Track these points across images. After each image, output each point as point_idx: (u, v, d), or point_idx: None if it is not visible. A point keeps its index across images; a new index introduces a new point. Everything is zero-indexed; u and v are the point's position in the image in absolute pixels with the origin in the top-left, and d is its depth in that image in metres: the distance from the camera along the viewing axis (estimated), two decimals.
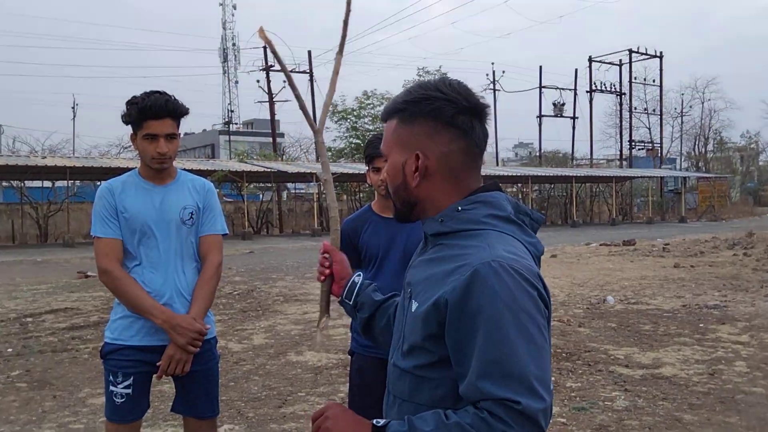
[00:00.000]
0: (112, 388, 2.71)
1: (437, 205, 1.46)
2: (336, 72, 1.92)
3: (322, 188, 37.55)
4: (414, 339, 1.40)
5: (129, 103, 2.73)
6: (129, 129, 2.77)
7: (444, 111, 1.42)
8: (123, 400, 2.70)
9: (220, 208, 2.99)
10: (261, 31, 1.89)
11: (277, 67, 43.80)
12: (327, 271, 1.81)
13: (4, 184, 35.79)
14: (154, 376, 2.76)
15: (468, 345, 1.29)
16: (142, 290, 2.69)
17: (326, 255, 1.84)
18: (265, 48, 42.99)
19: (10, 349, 7.43)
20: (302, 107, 1.89)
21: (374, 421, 1.35)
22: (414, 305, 1.41)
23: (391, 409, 1.50)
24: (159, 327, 2.69)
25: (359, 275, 1.82)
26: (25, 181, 33.31)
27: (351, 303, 1.79)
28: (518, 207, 1.46)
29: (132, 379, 2.71)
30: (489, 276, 1.28)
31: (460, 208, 1.43)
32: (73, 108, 55.21)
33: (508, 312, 1.26)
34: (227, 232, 3.00)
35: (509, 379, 1.24)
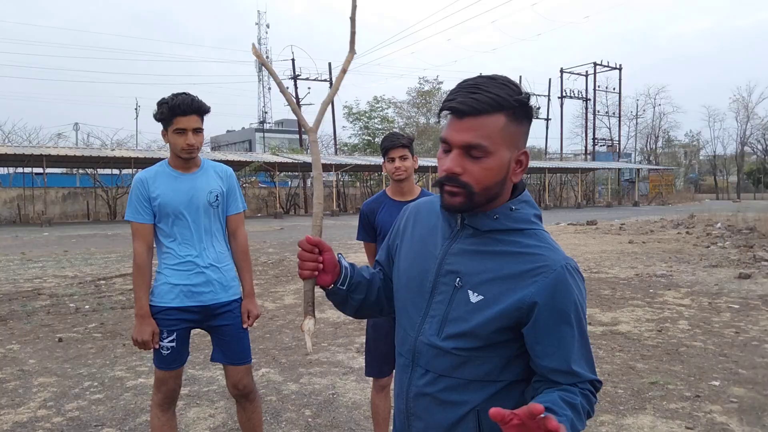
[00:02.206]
0: (159, 342, 2.72)
1: (499, 202, 1.28)
2: (344, 70, 1.64)
3: (339, 177, 37.57)
4: (473, 327, 1.24)
5: (160, 103, 2.66)
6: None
7: (531, 113, 1.28)
8: (168, 352, 2.69)
9: (240, 189, 2.95)
10: (253, 47, 1.65)
11: (303, 75, 43.57)
12: (314, 266, 1.38)
13: (81, 171, 35.86)
14: (245, 325, 2.80)
15: (561, 337, 1.22)
16: (147, 285, 2.69)
17: (314, 248, 1.39)
18: (293, 61, 42.78)
19: (87, 306, 7.48)
20: (294, 109, 1.66)
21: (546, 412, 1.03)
22: (473, 296, 1.25)
23: (420, 380, 1.32)
24: (195, 290, 2.69)
25: (340, 255, 1.45)
26: (98, 169, 33.39)
27: (345, 288, 1.45)
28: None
29: (175, 334, 2.70)
30: (569, 278, 1.22)
31: (513, 207, 1.28)
32: (136, 109, 55.36)
33: (581, 308, 1.24)
34: (246, 207, 2.99)
35: (590, 363, 1.26)
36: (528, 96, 1.25)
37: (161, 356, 2.69)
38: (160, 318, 2.68)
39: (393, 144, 2.99)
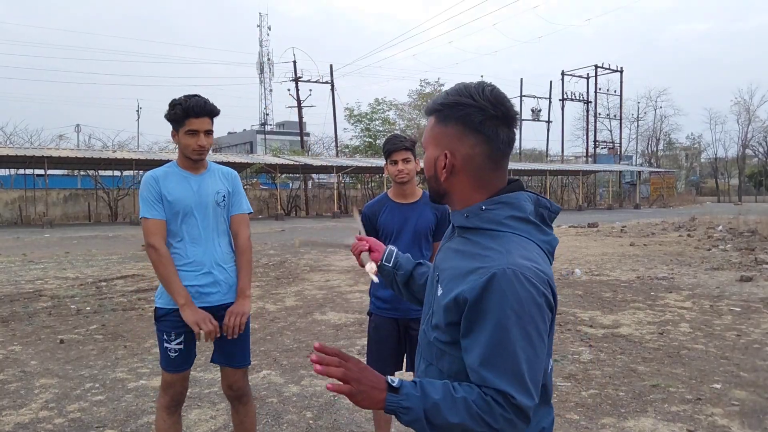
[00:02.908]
0: (166, 344, 2.70)
1: (463, 199, 1.38)
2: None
3: (340, 178, 37.57)
4: (437, 320, 1.35)
5: (173, 104, 2.68)
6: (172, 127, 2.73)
7: (472, 117, 1.32)
8: (176, 354, 2.69)
9: (244, 191, 2.96)
10: (297, 241, 2.01)
11: (305, 77, 43.62)
12: (363, 245, 1.85)
13: (82, 173, 35.91)
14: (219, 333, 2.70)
15: (477, 337, 1.23)
16: (176, 273, 2.66)
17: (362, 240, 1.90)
18: (294, 63, 42.83)
19: (88, 308, 7.49)
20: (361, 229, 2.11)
21: (389, 379, 1.24)
22: (439, 290, 1.35)
23: (419, 367, 1.45)
24: (202, 291, 2.69)
25: (393, 247, 1.86)
26: (99, 171, 33.43)
27: (391, 264, 1.77)
28: (539, 201, 1.38)
29: (183, 337, 2.70)
30: (504, 281, 1.21)
31: (484, 207, 1.34)
32: (137, 111, 55.36)
33: (514, 316, 1.20)
34: (251, 210, 2.98)
35: (507, 373, 1.20)
36: (455, 97, 1.35)
37: (169, 358, 2.69)
38: (167, 320, 2.68)
39: (396, 147, 2.99)
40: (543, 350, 1.25)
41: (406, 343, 3.10)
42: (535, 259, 1.28)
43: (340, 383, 1.24)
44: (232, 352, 2.79)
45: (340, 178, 38.44)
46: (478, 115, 1.31)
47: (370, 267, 1.80)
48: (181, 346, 2.70)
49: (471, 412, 1.20)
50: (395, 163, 3.01)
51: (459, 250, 1.36)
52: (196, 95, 2.70)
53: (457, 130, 1.34)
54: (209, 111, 2.68)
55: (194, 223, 2.72)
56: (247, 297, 2.79)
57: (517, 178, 1.40)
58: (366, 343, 3.26)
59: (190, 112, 2.63)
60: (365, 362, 3.15)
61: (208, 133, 2.70)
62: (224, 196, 2.80)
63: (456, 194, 1.39)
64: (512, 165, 43.12)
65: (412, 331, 3.05)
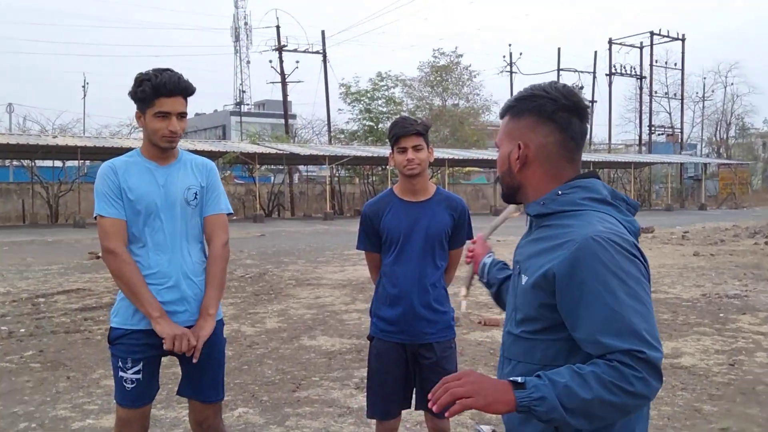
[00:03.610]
0: (121, 373, 2.72)
1: (538, 190, 1.69)
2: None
3: (334, 171, 37.66)
4: (527, 310, 1.63)
5: (140, 79, 2.68)
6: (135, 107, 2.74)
7: (545, 107, 1.65)
8: (133, 385, 2.71)
9: (223, 187, 2.98)
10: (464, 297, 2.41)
11: (290, 46, 43.76)
12: (468, 256, 2.28)
13: (15, 163, 36.05)
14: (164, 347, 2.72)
15: (583, 309, 1.48)
16: (144, 282, 2.68)
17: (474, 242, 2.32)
18: (278, 28, 42.93)
19: (23, 330, 7.51)
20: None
21: (511, 378, 1.49)
22: (524, 279, 1.65)
23: (504, 370, 1.72)
24: (168, 309, 2.70)
25: (489, 256, 2.21)
26: (36, 161, 33.55)
27: (484, 279, 2.17)
28: (615, 193, 1.68)
29: (141, 364, 2.72)
30: (592, 248, 1.48)
31: (560, 192, 1.65)
32: (83, 87, 55.32)
33: (614, 277, 1.47)
34: (231, 211, 2.99)
35: (627, 333, 1.44)
36: (524, 93, 1.72)
37: (124, 390, 2.71)
38: (123, 343, 2.70)
39: (405, 131, 2.99)
40: (650, 302, 1.54)
41: (416, 375, 3.10)
42: (617, 228, 1.57)
43: (461, 403, 1.48)
44: (201, 383, 2.81)
45: (334, 171, 38.48)
46: (550, 105, 1.65)
47: (463, 292, 2.27)
48: (139, 376, 2.71)
49: (603, 382, 1.42)
50: (404, 150, 2.99)
51: (539, 238, 1.66)
52: (167, 69, 2.72)
53: (530, 121, 1.67)
54: (183, 89, 2.70)
55: (159, 226, 2.73)
56: (210, 316, 2.79)
57: (592, 170, 1.72)
58: (366, 374, 3.26)
59: (160, 90, 2.65)
60: (366, 396, 3.17)
61: (182, 116, 2.73)
62: (196, 193, 2.80)
63: (530, 186, 1.70)
64: None
65: (422, 359, 3.05)
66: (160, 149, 2.76)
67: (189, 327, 2.74)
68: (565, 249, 1.52)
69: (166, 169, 2.78)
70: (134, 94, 2.71)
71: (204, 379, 2.81)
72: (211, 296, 2.81)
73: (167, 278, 2.73)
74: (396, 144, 3.02)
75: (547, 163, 1.67)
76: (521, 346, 1.65)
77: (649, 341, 1.44)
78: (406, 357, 3.07)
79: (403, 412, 3.24)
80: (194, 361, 2.72)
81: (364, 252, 3.27)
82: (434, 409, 1.52)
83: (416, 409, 3.21)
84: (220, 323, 2.92)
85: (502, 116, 1.77)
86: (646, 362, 1.43)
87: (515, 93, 1.77)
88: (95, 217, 2.77)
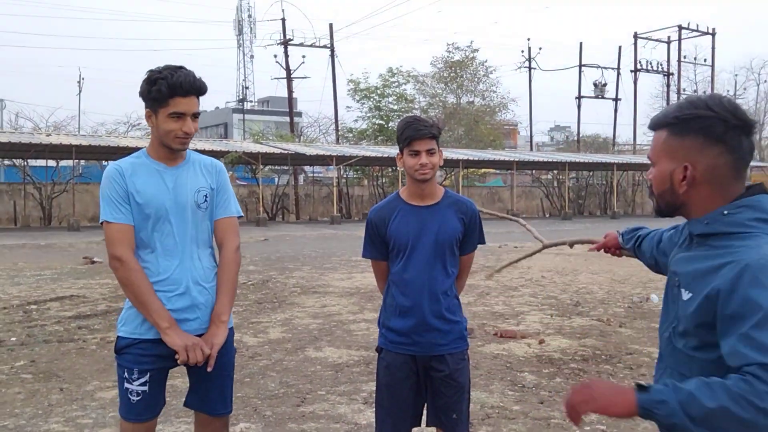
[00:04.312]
0: (127, 385, 2.73)
1: (701, 209, 1.75)
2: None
3: (342, 172, 37.69)
4: (686, 325, 1.72)
5: (154, 78, 2.68)
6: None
7: (715, 129, 1.68)
8: (139, 398, 2.72)
9: (232, 189, 3.00)
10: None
11: (296, 40, 43.94)
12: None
13: (6, 162, 36.23)
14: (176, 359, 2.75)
15: (737, 323, 1.56)
16: (153, 291, 2.70)
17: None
18: (283, 21, 43.06)
19: (13, 338, 7.56)
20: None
21: (636, 382, 1.62)
22: (684, 294, 1.74)
23: (662, 376, 1.85)
24: (178, 318, 2.73)
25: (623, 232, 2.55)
26: (28, 160, 33.71)
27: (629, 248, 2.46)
28: None
29: (148, 375, 2.74)
30: (758, 270, 1.56)
31: (726, 212, 1.71)
32: (78, 82, 55.42)
33: (765, 305, 1.52)
34: (242, 214, 3.01)
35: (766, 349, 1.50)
36: (693, 110, 1.71)
37: (129, 404, 2.73)
38: (130, 353, 2.73)
39: (420, 133, 2.97)
40: None
41: (427, 389, 3.10)
42: None
43: (582, 407, 1.64)
44: (209, 395, 2.83)
45: (341, 172, 38.54)
46: (720, 126, 1.68)
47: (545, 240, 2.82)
48: (146, 388, 2.73)
49: (731, 394, 1.48)
50: (416, 154, 2.98)
51: (701, 255, 1.75)
52: (181, 67, 2.74)
53: (696, 142, 1.71)
54: (198, 88, 2.73)
55: (168, 231, 2.76)
56: (223, 323, 2.83)
57: (760, 182, 1.78)
58: (375, 388, 3.26)
59: (176, 90, 2.66)
60: (374, 411, 3.17)
61: (195, 116, 2.76)
62: (206, 196, 2.82)
63: (694, 205, 1.77)
64: (568, 156, 43.05)
65: (434, 372, 3.05)
66: (171, 150, 2.78)
67: (199, 335, 2.76)
68: (730, 268, 1.60)
69: (175, 170, 2.80)
70: (146, 93, 2.71)
71: (212, 390, 2.83)
72: (224, 303, 2.84)
73: (177, 285, 2.75)
74: (408, 146, 3.00)
75: (715, 184, 1.73)
76: (678, 357, 1.78)
77: None
78: (417, 370, 3.07)
79: (414, 430, 3.23)
80: (209, 369, 2.74)
81: (370, 260, 3.26)
82: (573, 424, 1.74)
83: (428, 425, 3.20)
84: (230, 332, 2.94)
85: (654, 128, 1.81)
86: None
87: (673, 106, 1.78)
88: (101, 223, 2.79)
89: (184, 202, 2.78)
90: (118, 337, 2.79)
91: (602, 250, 2.62)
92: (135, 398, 2.72)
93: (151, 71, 2.73)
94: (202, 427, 2.91)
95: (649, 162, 1.84)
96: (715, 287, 1.61)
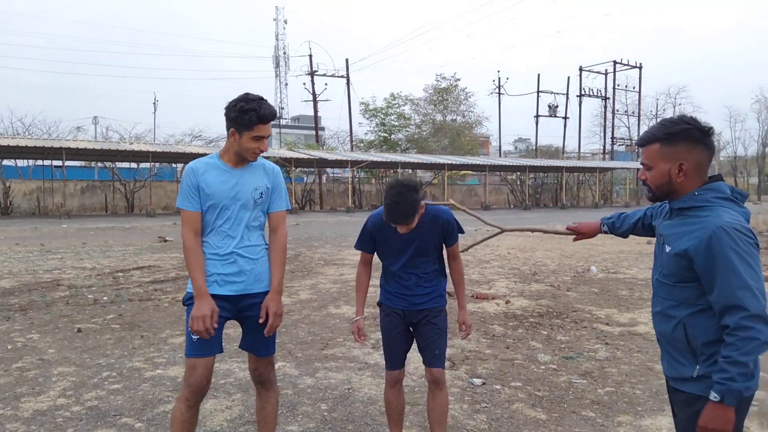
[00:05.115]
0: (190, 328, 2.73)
1: (684, 191, 1.96)
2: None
3: (355, 173, 37.57)
4: (669, 268, 1.96)
5: (245, 108, 2.63)
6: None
7: (695, 135, 1.92)
8: (198, 336, 2.72)
9: (286, 187, 2.99)
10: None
11: (320, 71, 43.64)
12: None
13: (99, 165, 36.27)
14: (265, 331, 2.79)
15: (713, 278, 1.80)
16: (200, 266, 2.69)
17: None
18: (310, 57, 42.86)
19: (105, 298, 7.57)
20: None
21: (712, 395, 1.80)
22: (667, 248, 1.97)
23: (656, 306, 2.07)
24: (227, 280, 2.73)
25: (604, 225, 2.59)
26: (116, 163, 33.75)
27: (620, 232, 2.55)
28: (734, 189, 1.95)
29: None
30: (720, 233, 1.79)
31: (696, 193, 1.93)
32: (154, 104, 55.88)
33: (735, 255, 1.77)
34: (290, 207, 3.02)
35: (741, 289, 1.75)
36: (677, 126, 1.93)
37: (191, 343, 2.72)
38: (193, 304, 2.72)
39: (397, 222, 2.84)
40: (761, 271, 1.83)
41: (416, 332, 3.10)
42: (739, 219, 1.86)
43: None
44: (256, 340, 2.85)
45: (355, 173, 38.46)
46: (697, 133, 1.92)
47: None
48: None
49: (737, 360, 1.74)
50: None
51: (679, 223, 1.97)
52: (262, 99, 2.71)
53: (685, 145, 1.93)
54: (274, 117, 2.76)
55: (227, 217, 2.76)
56: (279, 293, 2.85)
57: (719, 174, 1.98)
58: (381, 335, 3.26)
59: (262, 119, 2.66)
60: (384, 356, 3.17)
61: (268, 137, 2.76)
62: (262, 193, 2.82)
63: (682, 191, 1.97)
64: (528, 162, 42.89)
65: (418, 320, 3.04)
66: (242, 159, 2.77)
67: (244, 294, 2.77)
68: (701, 232, 1.83)
69: (240, 171, 2.79)
70: (236, 119, 2.66)
71: (259, 337, 2.83)
72: (276, 277, 2.84)
73: (230, 257, 2.76)
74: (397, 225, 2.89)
75: (698, 173, 1.94)
76: (665, 288, 1.99)
77: (755, 293, 1.75)
78: (405, 319, 3.08)
79: (410, 366, 3.22)
80: (266, 333, 2.78)
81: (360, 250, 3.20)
82: None
83: (423, 361, 3.17)
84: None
85: (645, 144, 1.99)
86: (754, 317, 1.73)
87: (658, 125, 1.98)
88: (178, 209, 2.80)
89: (243, 197, 2.76)
90: (186, 292, 2.80)
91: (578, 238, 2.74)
92: (196, 337, 2.71)
93: (238, 101, 2.67)
94: (251, 362, 2.94)
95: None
96: (691, 247, 1.85)
